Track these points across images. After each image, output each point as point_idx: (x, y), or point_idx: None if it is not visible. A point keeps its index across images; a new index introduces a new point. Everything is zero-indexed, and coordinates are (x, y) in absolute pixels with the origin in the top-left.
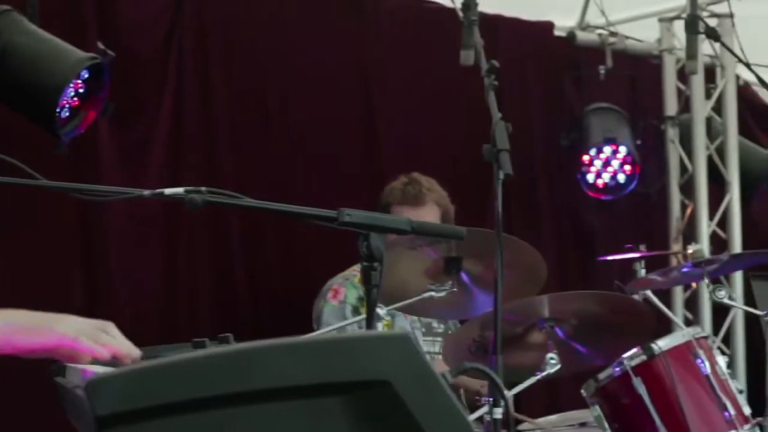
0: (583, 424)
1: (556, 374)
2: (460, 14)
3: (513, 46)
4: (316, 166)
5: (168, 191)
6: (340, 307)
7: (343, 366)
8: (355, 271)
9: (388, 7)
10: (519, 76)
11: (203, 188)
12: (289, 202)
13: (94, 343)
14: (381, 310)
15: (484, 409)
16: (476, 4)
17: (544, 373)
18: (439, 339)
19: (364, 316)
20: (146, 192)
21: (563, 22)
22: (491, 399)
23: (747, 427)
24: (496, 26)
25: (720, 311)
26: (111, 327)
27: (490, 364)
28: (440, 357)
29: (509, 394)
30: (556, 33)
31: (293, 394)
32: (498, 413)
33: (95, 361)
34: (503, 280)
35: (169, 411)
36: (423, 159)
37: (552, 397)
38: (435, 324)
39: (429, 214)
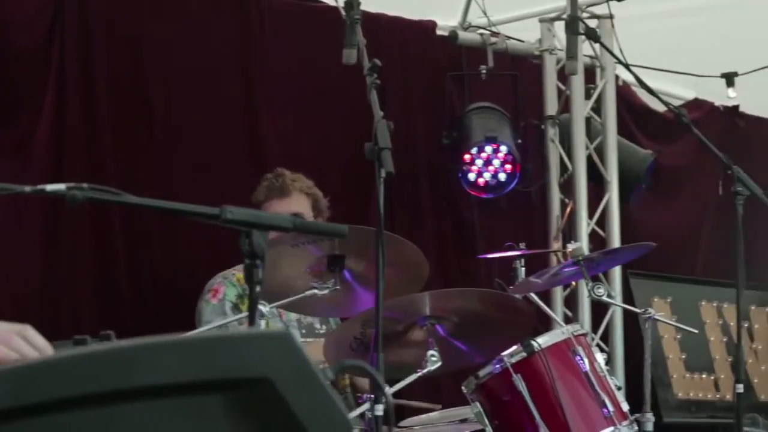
0: (463, 421)
1: (437, 371)
2: (343, 13)
3: (395, 45)
4: (199, 163)
5: (49, 188)
6: (219, 305)
7: (224, 363)
8: (234, 270)
9: (271, 5)
10: (401, 75)
11: (85, 185)
12: (173, 200)
13: (5, 346)
14: (264, 308)
15: (366, 406)
16: (359, 3)
17: (425, 371)
18: (321, 340)
19: (246, 313)
20: (27, 188)
21: (445, 21)
22: (372, 396)
23: (625, 423)
24: (379, 25)
25: (599, 309)
26: (28, 330)
27: (371, 361)
28: (319, 343)
29: (390, 391)
30: (438, 32)
31: (174, 391)
32: (379, 410)
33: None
34: (385, 278)
35: (47, 409)
36: (306, 157)
37: (433, 394)
38: (317, 325)
39: (298, 204)
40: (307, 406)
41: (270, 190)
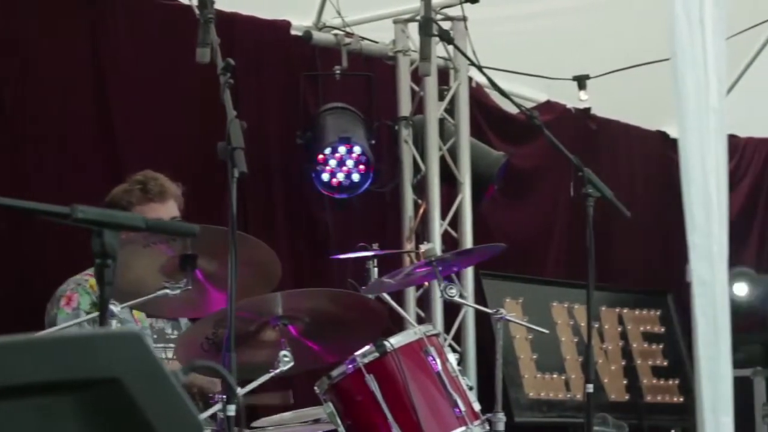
0: (316, 421)
1: (289, 372)
2: (196, 11)
3: (249, 45)
4: (51, 163)
5: None
6: (74, 314)
7: (74, 364)
8: (87, 276)
9: (124, 3)
10: (255, 74)
11: None
12: (24, 199)
13: None
14: (116, 308)
15: (218, 407)
16: (212, 2)
17: (277, 371)
18: (172, 345)
19: (96, 313)
20: None
21: (300, 21)
22: (224, 396)
23: (477, 423)
24: (233, 24)
25: (451, 309)
26: None
27: (223, 362)
28: (174, 361)
29: (242, 391)
30: (293, 32)
31: (23, 392)
32: (231, 410)
33: None
34: (237, 278)
35: None
36: (159, 156)
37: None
38: (168, 330)
39: (174, 209)
40: (157, 406)
41: (147, 193)
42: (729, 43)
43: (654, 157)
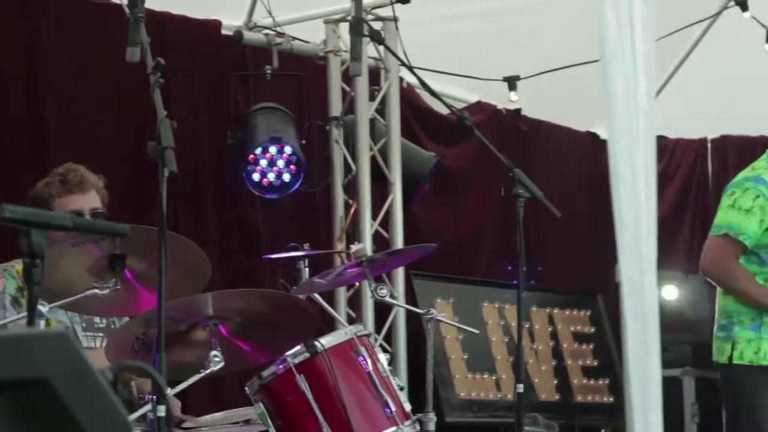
0: (247, 422)
1: (220, 372)
2: (127, 11)
3: (180, 44)
4: None
5: None
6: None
7: (1, 363)
8: (14, 263)
9: (55, 1)
10: (186, 74)
11: None
12: None
13: None
14: (43, 308)
15: (148, 407)
16: (143, 1)
17: (208, 371)
18: (101, 334)
19: (25, 313)
20: None
21: (230, 21)
22: (154, 397)
23: (407, 423)
24: (164, 23)
25: (382, 309)
26: None
27: (153, 362)
28: (102, 350)
29: (172, 391)
30: (224, 32)
31: None
32: (161, 411)
33: None
34: (167, 278)
35: None
36: (91, 156)
37: (217, 394)
38: (97, 319)
39: (95, 200)
40: (85, 406)
41: (67, 184)
42: (659, 44)
43: (584, 158)
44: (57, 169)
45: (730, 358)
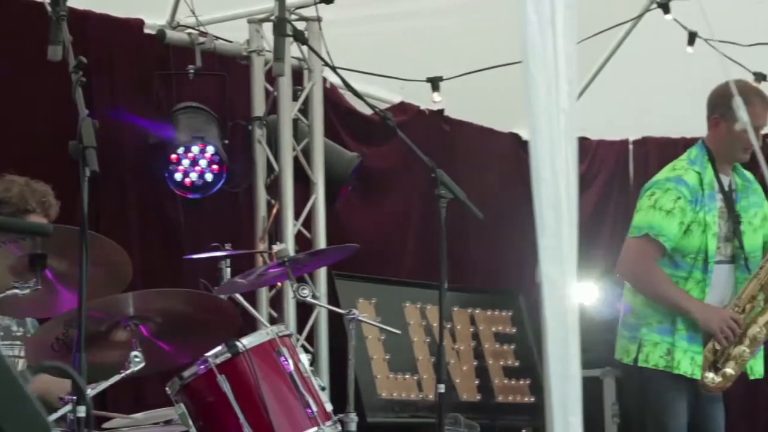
0: (168, 422)
1: (141, 372)
2: (49, 9)
3: (103, 43)
4: None
5: None
6: None
7: None
8: None
9: None
10: (108, 73)
11: None
12: None
13: None
14: None
15: (67, 408)
16: (65, 0)
17: (128, 372)
18: (18, 342)
19: None
20: None
21: (154, 20)
22: (74, 397)
23: (328, 423)
24: (86, 22)
25: (304, 309)
26: None
27: (74, 362)
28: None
29: (92, 392)
30: (146, 31)
31: None
32: (81, 411)
33: None
34: (88, 278)
35: None
36: (12, 155)
37: (138, 395)
38: (14, 327)
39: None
40: (5, 408)
41: (43, 206)
42: (581, 46)
43: (506, 159)
44: (36, 185)
45: (636, 360)
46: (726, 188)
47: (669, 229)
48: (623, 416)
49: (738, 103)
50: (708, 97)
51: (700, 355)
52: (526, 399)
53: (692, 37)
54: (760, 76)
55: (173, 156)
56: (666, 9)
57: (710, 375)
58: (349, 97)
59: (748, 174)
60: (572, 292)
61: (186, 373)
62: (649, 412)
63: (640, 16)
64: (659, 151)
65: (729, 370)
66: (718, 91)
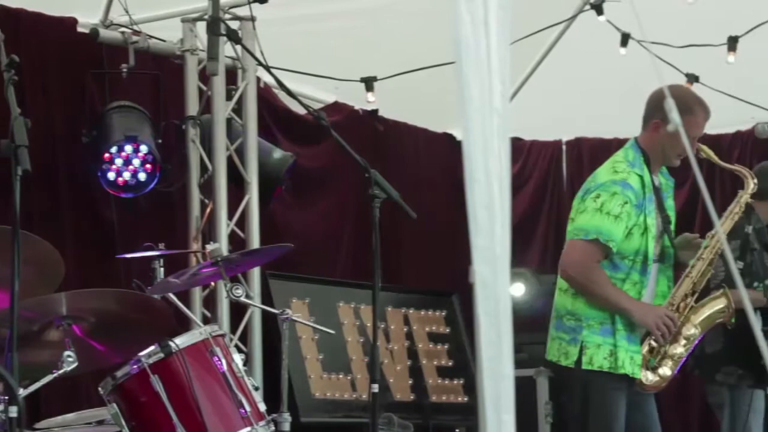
0: (100, 422)
1: (74, 372)
2: None
3: (35, 41)
4: None
5: None
6: None
7: None
8: None
9: None
10: (41, 71)
11: None
12: None
13: None
14: None
15: None
16: None
17: (61, 371)
18: None
19: None
20: None
21: (87, 19)
22: (6, 398)
23: (262, 423)
24: (18, 20)
25: (238, 309)
26: None
27: (5, 362)
28: None
29: (24, 392)
30: (80, 30)
31: None
32: (13, 412)
33: None
34: (20, 277)
35: None
36: None
37: (71, 395)
38: None
39: None
40: None
41: None
42: (515, 47)
43: (440, 159)
44: None
45: (578, 362)
46: (657, 188)
47: (617, 234)
48: (557, 416)
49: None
50: (648, 99)
51: (638, 354)
52: (460, 399)
53: (625, 39)
54: (692, 77)
55: (106, 155)
56: (599, 10)
57: (648, 374)
58: (283, 96)
59: (669, 177)
60: (505, 292)
61: (119, 373)
62: (592, 414)
63: (573, 18)
64: (592, 152)
65: (665, 370)
66: (660, 94)
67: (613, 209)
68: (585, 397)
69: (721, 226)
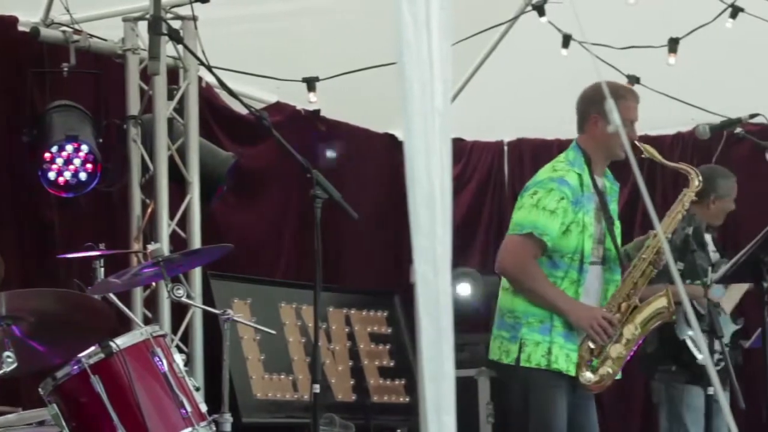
0: (41, 423)
1: (14, 373)
2: None
3: None
4: None
5: None
6: None
7: None
8: None
9: None
10: None
11: None
12: None
13: None
14: None
15: None
16: None
17: (0, 372)
18: None
19: None
20: None
21: (27, 17)
22: None
23: (203, 423)
24: None
25: (179, 310)
26: None
27: None
28: None
29: None
30: (20, 28)
31: None
32: None
33: None
34: None
35: None
36: None
37: (11, 395)
38: None
39: None
40: None
41: None
42: (457, 48)
43: (382, 159)
44: None
45: (517, 360)
46: (600, 190)
47: (552, 229)
48: (498, 416)
49: (610, 105)
50: (580, 98)
51: (575, 352)
52: (401, 399)
53: (566, 40)
54: (633, 79)
55: (47, 155)
56: (541, 12)
57: (588, 374)
58: (224, 96)
59: (614, 181)
60: (445, 292)
61: (59, 374)
62: (532, 412)
63: (515, 19)
64: (534, 153)
65: (607, 370)
66: (594, 90)
67: (549, 204)
68: (525, 395)
69: (665, 225)
